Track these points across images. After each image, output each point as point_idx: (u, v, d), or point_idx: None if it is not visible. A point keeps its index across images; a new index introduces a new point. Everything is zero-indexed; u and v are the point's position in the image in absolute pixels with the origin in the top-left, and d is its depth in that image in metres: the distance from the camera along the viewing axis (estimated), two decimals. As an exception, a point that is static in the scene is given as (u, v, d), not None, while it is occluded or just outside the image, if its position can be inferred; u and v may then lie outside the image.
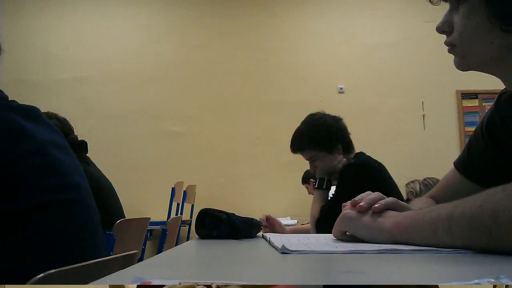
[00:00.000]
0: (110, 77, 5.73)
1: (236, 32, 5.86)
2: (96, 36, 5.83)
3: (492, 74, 1.01)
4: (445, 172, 1.27)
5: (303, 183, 5.01)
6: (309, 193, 5.06)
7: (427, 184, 3.59)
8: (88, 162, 2.61)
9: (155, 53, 5.81)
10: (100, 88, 5.70)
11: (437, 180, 3.54)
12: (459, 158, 1.22)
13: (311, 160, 2.30)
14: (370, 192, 0.94)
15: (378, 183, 2.09)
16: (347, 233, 0.95)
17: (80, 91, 5.68)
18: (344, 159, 2.25)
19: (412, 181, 3.72)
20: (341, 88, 5.69)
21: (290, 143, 2.32)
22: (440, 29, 1.01)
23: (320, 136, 2.23)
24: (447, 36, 1.01)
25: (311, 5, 5.88)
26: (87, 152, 2.66)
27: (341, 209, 0.97)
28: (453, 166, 1.23)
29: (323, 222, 2.09)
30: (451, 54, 1.02)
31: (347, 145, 2.30)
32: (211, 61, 5.80)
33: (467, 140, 5.48)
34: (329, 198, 2.31)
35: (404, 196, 3.97)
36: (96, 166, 2.67)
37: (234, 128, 5.65)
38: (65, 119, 2.62)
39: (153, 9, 5.94)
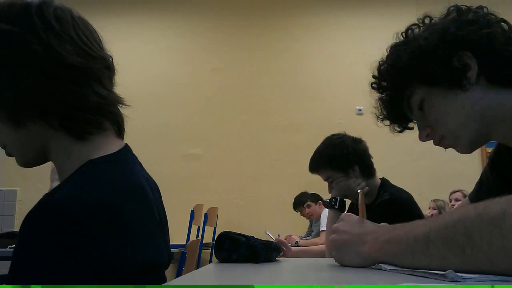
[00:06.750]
0: (130, 100, 5.75)
1: (254, 55, 5.90)
2: (116, 60, 5.92)
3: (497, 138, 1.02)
4: (466, 192, 1.27)
5: (294, 208, 5.04)
6: (302, 215, 5.07)
7: None
8: None
9: (174, 77, 5.87)
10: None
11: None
12: (473, 192, 1.21)
13: (328, 181, 2.25)
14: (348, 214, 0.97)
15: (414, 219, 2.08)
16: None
17: (101, 114, 5.76)
18: (364, 182, 2.17)
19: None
20: (359, 110, 5.66)
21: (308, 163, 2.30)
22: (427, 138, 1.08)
23: (336, 157, 2.18)
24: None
25: (329, 28, 5.90)
26: None
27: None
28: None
29: None
30: None
31: (367, 169, 2.22)
32: (230, 84, 5.84)
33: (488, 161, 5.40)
34: None
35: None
36: None
37: (252, 150, 5.65)
38: None
39: (172, 33, 6.03)
